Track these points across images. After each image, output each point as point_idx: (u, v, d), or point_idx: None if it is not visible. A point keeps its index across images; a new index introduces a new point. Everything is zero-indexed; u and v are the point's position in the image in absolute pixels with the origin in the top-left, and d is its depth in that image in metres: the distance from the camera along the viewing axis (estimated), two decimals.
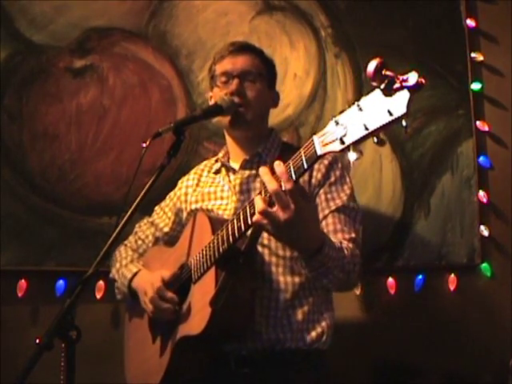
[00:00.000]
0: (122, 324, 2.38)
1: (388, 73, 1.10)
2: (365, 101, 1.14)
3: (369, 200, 2.47)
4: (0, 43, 2.43)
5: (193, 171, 2.03)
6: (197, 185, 1.95)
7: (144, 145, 1.61)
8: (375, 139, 1.14)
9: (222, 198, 1.84)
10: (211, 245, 1.59)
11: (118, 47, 2.50)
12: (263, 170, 1.35)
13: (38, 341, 1.27)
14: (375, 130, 1.12)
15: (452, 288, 2.50)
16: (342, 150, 1.18)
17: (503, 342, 2.36)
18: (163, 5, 2.54)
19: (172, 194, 2.04)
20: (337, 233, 1.69)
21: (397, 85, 1.09)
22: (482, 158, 2.58)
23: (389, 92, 1.09)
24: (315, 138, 1.26)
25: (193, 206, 1.89)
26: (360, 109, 1.14)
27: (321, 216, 1.72)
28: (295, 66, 2.55)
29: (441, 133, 2.58)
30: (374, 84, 1.10)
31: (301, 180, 1.73)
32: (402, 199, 2.53)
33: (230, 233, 1.52)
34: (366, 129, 1.12)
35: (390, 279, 2.48)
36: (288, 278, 1.70)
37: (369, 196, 2.49)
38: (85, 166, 2.43)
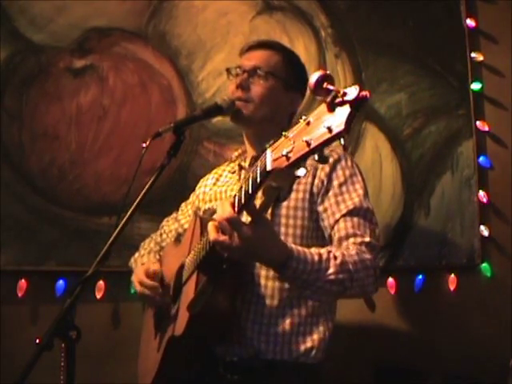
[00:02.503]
0: (122, 324, 2.39)
1: (329, 86, 1.05)
2: (313, 115, 1.10)
3: None
4: (0, 43, 2.43)
5: (214, 170, 2.01)
6: (214, 184, 1.94)
7: (144, 145, 1.61)
8: (316, 157, 1.09)
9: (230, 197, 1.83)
10: (196, 249, 1.60)
11: (117, 47, 2.50)
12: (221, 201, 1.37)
13: (37, 341, 1.27)
14: (315, 148, 1.07)
15: (452, 288, 2.50)
16: (287, 167, 1.13)
17: (503, 342, 2.36)
18: (163, 5, 2.54)
19: (194, 191, 2.04)
20: (348, 238, 1.60)
21: (339, 99, 1.03)
22: (482, 158, 2.58)
23: (332, 107, 1.05)
24: (268, 151, 1.20)
25: (206, 206, 1.89)
26: (308, 123, 1.10)
27: (332, 221, 1.65)
28: None
29: (441, 133, 2.58)
30: (318, 98, 1.06)
31: (303, 180, 1.71)
32: (402, 199, 2.53)
33: (208, 241, 1.51)
34: (308, 145, 1.08)
35: (390, 279, 2.48)
36: (277, 283, 1.65)
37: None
38: (85, 166, 2.42)
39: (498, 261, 2.53)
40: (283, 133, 1.16)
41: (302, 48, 2.56)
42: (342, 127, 1.02)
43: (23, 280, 2.34)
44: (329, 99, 1.05)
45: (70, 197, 2.40)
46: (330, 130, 1.04)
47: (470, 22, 2.65)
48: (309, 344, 1.65)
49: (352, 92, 1.03)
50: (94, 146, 2.44)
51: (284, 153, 1.13)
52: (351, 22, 2.60)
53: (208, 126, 2.44)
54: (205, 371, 1.66)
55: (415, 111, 2.58)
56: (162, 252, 1.99)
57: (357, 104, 1.02)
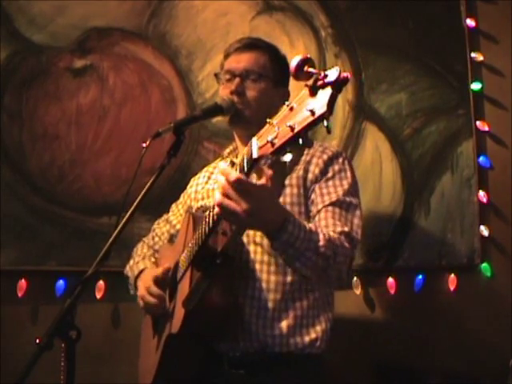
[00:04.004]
0: (122, 324, 2.39)
1: (311, 69, 1.07)
2: (295, 100, 1.11)
3: (369, 200, 2.47)
4: (0, 43, 2.43)
5: (204, 169, 2.02)
6: (206, 182, 1.95)
7: (144, 145, 1.61)
8: (300, 141, 1.10)
9: None
10: (190, 245, 1.60)
11: (117, 47, 2.50)
12: (222, 167, 1.37)
13: (38, 341, 1.27)
14: (299, 132, 1.08)
15: (452, 288, 2.50)
16: (273, 153, 1.14)
17: (503, 342, 2.36)
18: (163, 5, 2.54)
19: (185, 191, 2.04)
20: (328, 227, 1.60)
21: (320, 82, 1.05)
22: (481, 158, 2.59)
23: (314, 90, 1.06)
24: (254, 139, 1.21)
25: (199, 204, 1.89)
26: (291, 109, 1.11)
27: (314, 211, 1.67)
28: None
29: (441, 133, 2.58)
30: (300, 82, 1.07)
31: (296, 175, 1.71)
32: (402, 199, 2.53)
33: (200, 235, 1.52)
34: (292, 130, 1.09)
35: (390, 279, 2.48)
36: (280, 277, 1.66)
37: (369, 196, 2.48)
38: (85, 166, 2.42)
39: (498, 261, 2.54)
40: (268, 120, 1.17)
41: (302, 48, 2.56)
42: (324, 109, 1.04)
43: (23, 280, 2.34)
44: (310, 82, 1.06)
45: (70, 197, 2.40)
46: (312, 112, 1.05)
47: (470, 22, 2.65)
48: (313, 335, 1.67)
49: (333, 73, 1.04)
50: (94, 146, 2.44)
51: (269, 139, 1.14)
52: (351, 21, 2.60)
53: (208, 125, 2.44)
54: (208, 369, 1.66)
55: (415, 111, 2.58)
56: (157, 254, 1.99)
57: (338, 85, 1.03)
